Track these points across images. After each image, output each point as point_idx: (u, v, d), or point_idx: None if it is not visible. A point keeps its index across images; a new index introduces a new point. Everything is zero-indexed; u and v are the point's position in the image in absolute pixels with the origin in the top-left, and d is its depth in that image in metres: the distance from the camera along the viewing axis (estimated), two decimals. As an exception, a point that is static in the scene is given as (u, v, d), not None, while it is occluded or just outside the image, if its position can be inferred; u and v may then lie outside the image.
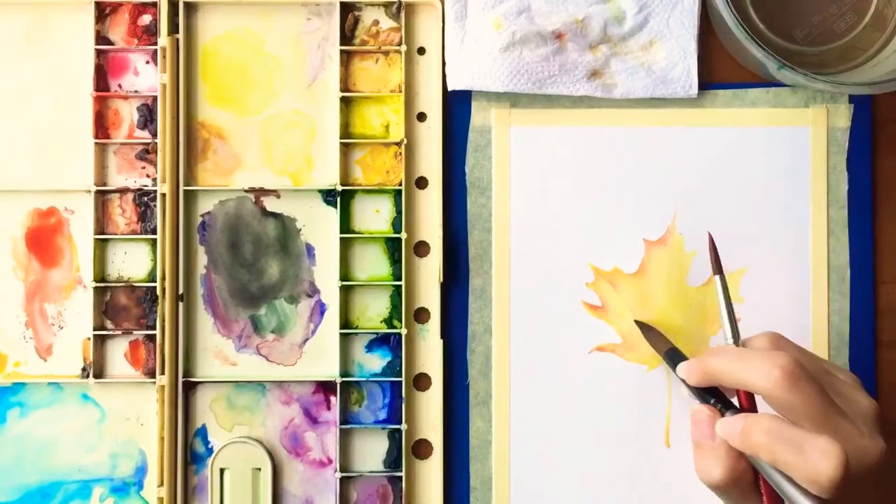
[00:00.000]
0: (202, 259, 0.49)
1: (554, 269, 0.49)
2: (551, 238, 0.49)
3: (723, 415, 0.40)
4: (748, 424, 0.38)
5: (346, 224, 0.49)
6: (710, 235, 0.44)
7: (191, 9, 0.49)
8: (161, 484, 0.47)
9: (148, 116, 0.49)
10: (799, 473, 0.36)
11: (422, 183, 0.49)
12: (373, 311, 0.49)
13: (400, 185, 0.48)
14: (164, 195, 0.48)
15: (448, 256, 0.49)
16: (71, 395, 0.49)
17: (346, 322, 0.49)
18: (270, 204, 0.49)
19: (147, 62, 0.49)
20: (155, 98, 0.49)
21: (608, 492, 0.48)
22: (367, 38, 0.49)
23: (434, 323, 0.49)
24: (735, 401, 0.41)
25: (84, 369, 0.49)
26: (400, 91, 0.49)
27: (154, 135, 0.49)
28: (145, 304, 0.49)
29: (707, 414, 0.40)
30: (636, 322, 0.48)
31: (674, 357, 0.44)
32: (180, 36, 0.49)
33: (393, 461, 0.48)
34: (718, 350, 0.42)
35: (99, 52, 0.49)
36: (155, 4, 0.49)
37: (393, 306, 0.49)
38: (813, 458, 0.36)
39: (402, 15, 0.49)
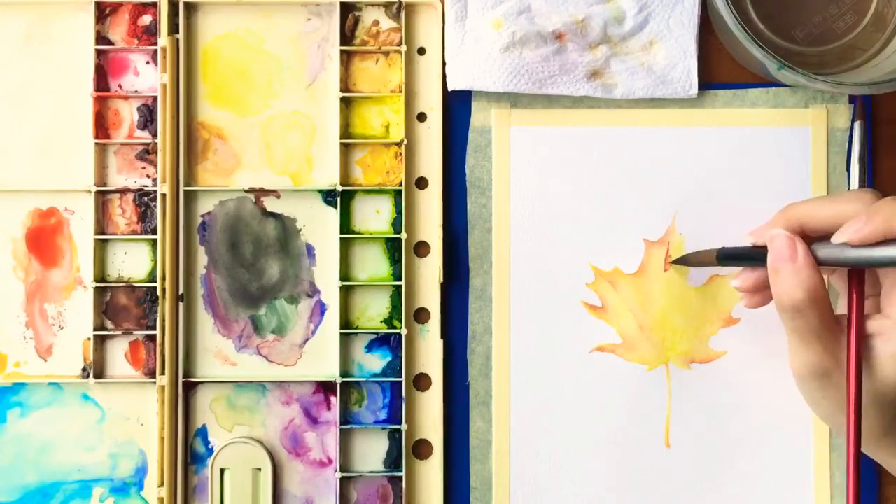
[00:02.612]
0: (202, 259, 0.49)
1: (554, 269, 0.49)
2: (551, 238, 0.49)
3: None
4: (878, 206, 0.39)
5: (346, 224, 0.49)
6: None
7: (191, 9, 0.49)
8: (161, 484, 0.47)
9: (148, 116, 0.49)
10: None
11: (422, 183, 0.49)
12: (373, 311, 0.49)
13: (400, 185, 0.48)
14: (164, 195, 0.48)
15: (448, 256, 0.49)
16: (71, 395, 0.49)
17: (346, 322, 0.49)
18: (270, 204, 0.49)
19: (147, 62, 0.49)
20: (155, 98, 0.49)
21: (608, 492, 0.48)
22: (367, 38, 0.49)
23: (434, 323, 0.49)
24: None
25: (84, 369, 0.49)
26: (400, 91, 0.49)
27: (154, 135, 0.49)
28: (145, 305, 0.49)
29: (787, 236, 0.40)
30: (672, 262, 0.48)
31: (731, 252, 0.44)
32: (180, 36, 0.49)
33: (393, 461, 0.48)
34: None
35: (99, 52, 0.49)
36: (155, 4, 0.49)
37: (393, 306, 0.49)
38: None
39: (402, 15, 0.49)
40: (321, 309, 0.49)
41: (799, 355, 0.40)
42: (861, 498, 0.48)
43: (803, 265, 0.39)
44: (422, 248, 0.49)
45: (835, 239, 0.40)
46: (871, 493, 0.48)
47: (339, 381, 0.48)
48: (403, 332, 0.48)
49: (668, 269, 0.48)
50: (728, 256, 0.44)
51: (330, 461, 0.49)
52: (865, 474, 0.48)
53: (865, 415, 0.40)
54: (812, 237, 0.41)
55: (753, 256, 0.43)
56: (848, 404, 0.39)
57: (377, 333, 0.49)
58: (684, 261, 0.47)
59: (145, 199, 0.49)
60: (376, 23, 0.49)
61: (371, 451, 0.48)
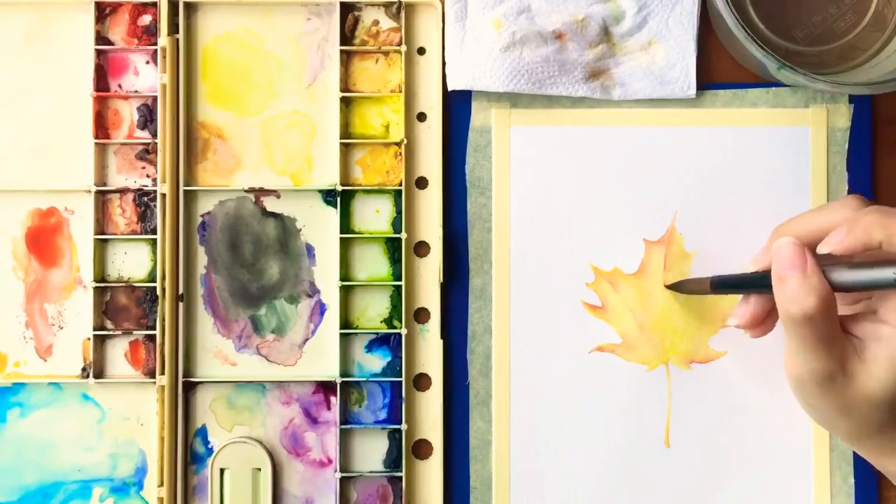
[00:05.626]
0: (202, 259, 0.49)
1: (554, 269, 0.49)
2: (551, 238, 0.49)
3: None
4: (858, 216, 0.39)
5: (346, 224, 0.49)
6: None
7: (191, 9, 0.49)
8: (161, 484, 0.47)
9: (148, 116, 0.49)
10: None
11: (422, 183, 0.49)
12: (373, 311, 0.49)
13: (400, 185, 0.48)
14: (164, 195, 0.48)
15: (448, 256, 0.49)
16: (71, 395, 0.49)
17: (346, 322, 0.49)
18: (270, 204, 0.49)
19: (147, 62, 0.49)
20: (155, 98, 0.49)
21: (608, 492, 0.48)
22: (367, 38, 0.49)
23: (434, 323, 0.49)
24: None
25: (84, 369, 0.49)
26: (400, 91, 0.49)
27: (154, 135, 0.49)
28: (145, 304, 0.49)
29: (794, 243, 0.40)
30: (666, 286, 0.48)
31: (721, 280, 0.44)
32: (180, 36, 0.49)
33: (393, 461, 0.48)
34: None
35: (99, 52, 0.49)
36: (155, 4, 0.49)
37: (393, 306, 0.49)
38: None
39: (402, 15, 0.49)
40: (321, 309, 0.49)
41: (802, 362, 0.40)
42: (860, 498, 0.48)
43: (813, 271, 0.39)
44: (422, 248, 0.49)
45: (819, 250, 0.40)
46: (871, 493, 0.48)
47: (338, 381, 0.48)
48: (403, 332, 0.48)
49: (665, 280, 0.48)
50: (721, 284, 0.44)
51: (330, 461, 0.49)
52: (865, 475, 0.48)
53: (858, 414, 0.40)
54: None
55: (747, 282, 0.43)
56: None
57: (377, 333, 0.49)
58: (678, 287, 0.47)
59: (145, 199, 0.49)
60: (376, 23, 0.49)
61: (371, 451, 0.48)
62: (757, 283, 0.42)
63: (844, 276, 0.39)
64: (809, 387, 0.40)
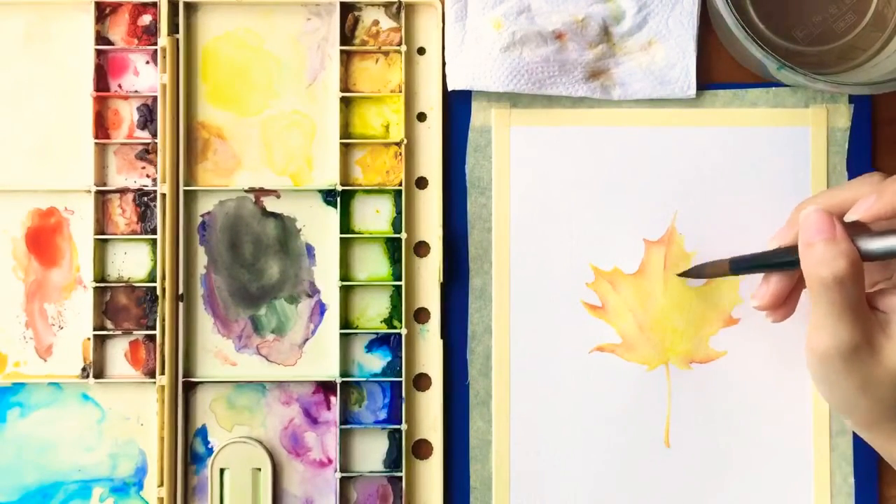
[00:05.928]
0: (202, 259, 0.49)
1: (554, 269, 0.49)
2: (551, 238, 0.49)
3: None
4: (886, 184, 0.39)
5: (346, 224, 0.49)
6: None
7: (191, 9, 0.49)
8: (161, 484, 0.47)
9: (148, 116, 0.49)
10: None
11: (422, 183, 0.49)
12: (373, 311, 0.49)
13: (400, 185, 0.48)
14: (164, 195, 0.48)
15: (448, 256, 0.49)
16: (71, 395, 0.49)
17: (346, 322, 0.49)
18: (270, 204, 0.49)
19: (147, 62, 0.49)
20: (155, 98, 0.49)
21: (608, 492, 0.48)
22: (367, 38, 0.49)
23: (434, 323, 0.49)
24: None
25: (84, 369, 0.49)
26: (400, 91, 0.49)
27: (154, 135, 0.49)
28: (145, 304, 0.49)
29: (822, 211, 0.40)
30: (679, 274, 0.48)
31: (740, 261, 0.44)
32: (180, 36, 0.49)
33: (393, 461, 0.48)
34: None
35: (99, 52, 0.49)
36: (155, 4, 0.49)
37: (393, 306, 0.49)
38: None
39: (402, 15, 0.49)
40: (321, 309, 0.49)
41: (828, 332, 0.39)
42: (860, 498, 0.48)
43: (842, 237, 0.39)
44: (422, 248, 0.49)
45: (847, 217, 0.40)
46: (871, 494, 0.48)
47: (338, 381, 0.48)
48: (403, 332, 0.48)
49: (667, 269, 0.48)
50: (741, 264, 0.44)
51: (330, 461, 0.49)
52: (865, 475, 0.48)
53: (879, 392, 0.39)
54: None
55: (769, 260, 0.43)
56: None
57: (377, 333, 0.49)
58: (695, 273, 0.47)
59: (145, 199, 0.49)
60: (376, 23, 0.49)
61: (371, 451, 0.48)
62: (779, 260, 0.42)
63: (872, 244, 0.39)
64: (834, 361, 0.39)
